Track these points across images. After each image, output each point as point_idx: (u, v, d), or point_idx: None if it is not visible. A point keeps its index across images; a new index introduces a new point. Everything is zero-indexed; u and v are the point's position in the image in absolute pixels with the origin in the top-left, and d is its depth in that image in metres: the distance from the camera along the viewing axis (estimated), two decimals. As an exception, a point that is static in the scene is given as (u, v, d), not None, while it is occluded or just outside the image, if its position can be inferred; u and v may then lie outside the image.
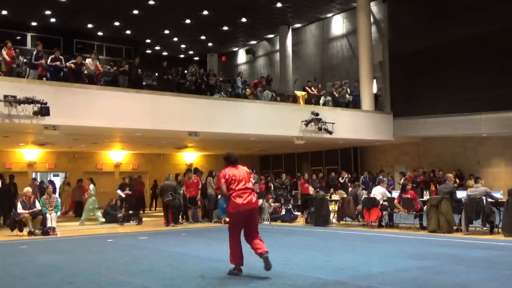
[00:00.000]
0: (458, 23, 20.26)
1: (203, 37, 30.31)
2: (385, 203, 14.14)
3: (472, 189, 12.68)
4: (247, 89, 20.99)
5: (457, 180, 20.04)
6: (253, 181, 18.29)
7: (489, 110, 19.04)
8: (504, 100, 18.46)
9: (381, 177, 20.93)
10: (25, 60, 16.63)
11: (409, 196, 13.36)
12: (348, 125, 20.98)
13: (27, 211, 13.44)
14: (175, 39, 30.32)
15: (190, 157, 28.60)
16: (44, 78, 15.64)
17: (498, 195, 12.29)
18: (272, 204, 18.38)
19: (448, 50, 20.47)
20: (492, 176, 20.20)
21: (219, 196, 17.45)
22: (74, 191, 22.36)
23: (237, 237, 7.18)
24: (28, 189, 13.99)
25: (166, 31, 28.69)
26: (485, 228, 12.30)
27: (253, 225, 7.21)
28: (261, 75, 25.21)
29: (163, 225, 16.19)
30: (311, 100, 21.76)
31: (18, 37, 25.95)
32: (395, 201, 13.69)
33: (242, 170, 7.35)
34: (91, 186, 17.76)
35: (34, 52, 15.70)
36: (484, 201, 11.73)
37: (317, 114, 19.71)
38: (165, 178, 17.42)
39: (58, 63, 15.91)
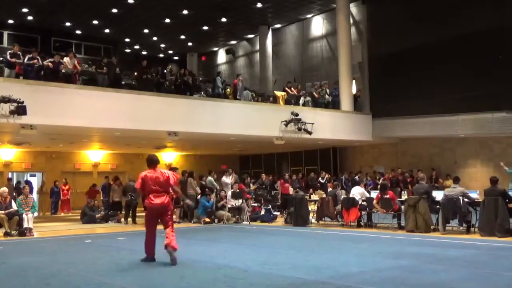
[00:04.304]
0: (436, 25, 20.48)
1: (182, 37, 30.17)
2: (364, 203, 14.25)
3: (449, 189, 12.85)
4: (228, 89, 20.89)
5: (440, 180, 20.25)
6: (233, 181, 18.41)
7: (466, 112, 19.29)
8: (481, 102, 18.69)
9: (356, 178, 21.16)
10: (1, 59, 16.39)
11: (388, 197, 13.47)
12: (327, 126, 21.06)
13: (3, 212, 13.23)
14: (155, 38, 30.13)
15: (169, 157, 28.44)
16: (21, 77, 15.42)
17: (474, 195, 12.44)
18: (254, 204, 18.40)
19: (426, 52, 20.64)
20: (469, 176, 20.43)
21: (199, 196, 17.42)
22: (113, 191, 21.43)
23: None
24: (4, 189, 13.77)
25: (146, 30, 28.46)
26: (461, 228, 12.45)
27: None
28: (239, 73, 25.13)
29: (143, 226, 16.07)
30: (290, 100, 21.82)
31: (-5, 35, 25.57)
32: (374, 201, 13.79)
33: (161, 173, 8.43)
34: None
35: (9, 52, 15.56)
36: (461, 201, 11.88)
37: (296, 115, 19.75)
38: (129, 179, 17.70)
39: (35, 61, 15.72)
